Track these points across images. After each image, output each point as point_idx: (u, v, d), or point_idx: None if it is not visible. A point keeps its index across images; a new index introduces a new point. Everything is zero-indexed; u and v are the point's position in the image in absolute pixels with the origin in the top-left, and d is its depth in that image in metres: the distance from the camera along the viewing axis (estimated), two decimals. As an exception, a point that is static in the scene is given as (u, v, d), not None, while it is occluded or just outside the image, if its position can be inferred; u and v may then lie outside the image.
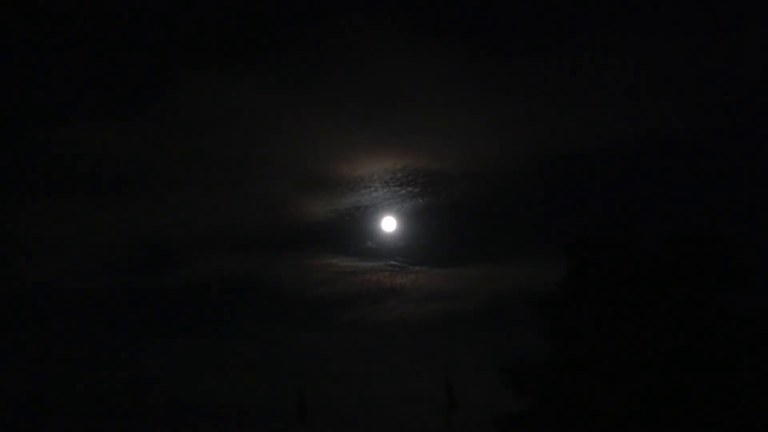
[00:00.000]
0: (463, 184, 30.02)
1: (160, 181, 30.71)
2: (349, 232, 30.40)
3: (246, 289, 30.03)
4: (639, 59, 29.38)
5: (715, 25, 28.84)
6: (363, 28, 28.95)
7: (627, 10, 29.22)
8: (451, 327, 28.85)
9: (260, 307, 29.65)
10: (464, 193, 30.21)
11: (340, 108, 30.38)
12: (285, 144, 30.62)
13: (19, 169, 29.91)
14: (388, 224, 29.89)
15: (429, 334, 28.78)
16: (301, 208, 30.49)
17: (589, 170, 29.34)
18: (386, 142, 29.88)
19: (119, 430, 24.96)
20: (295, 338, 28.64)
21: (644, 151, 29.09)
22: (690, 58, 29.22)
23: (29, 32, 29.58)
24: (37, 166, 29.76)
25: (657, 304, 20.74)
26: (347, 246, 30.30)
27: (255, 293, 29.91)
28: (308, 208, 30.39)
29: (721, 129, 28.58)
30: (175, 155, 30.57)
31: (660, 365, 20.02)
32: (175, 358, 27.98)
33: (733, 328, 20.39)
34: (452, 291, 30.07)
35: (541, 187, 29.69)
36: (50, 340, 28.07)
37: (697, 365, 19.96)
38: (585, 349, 21.12)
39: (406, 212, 29.99)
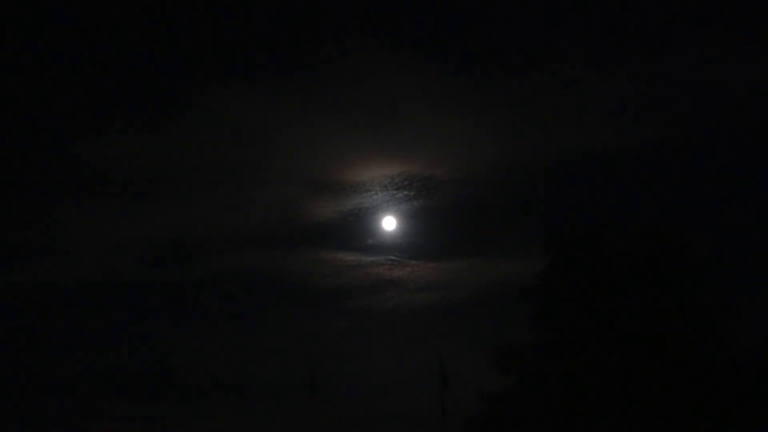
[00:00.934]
0: (454, 187, 30.23)
1: (185, 185, 30.85)
2: (353, 231, 30.57)
3: (262, 280, 30.25)
4: (611, 77, 29.38)
5: (684, 46, 28.98)
6: (363, 51, 29.15)
7: (602, 30, 29.37)
8: (443, 314, 29.17)
9: (274, 296, 29.97)
10: (454, 196, 30.42)
11: (343, 121, 30.61)
12: (295, 153, 30.71)
13: (61, 175, 29.94)
14: (389, 223, 30.06)
15: (424, 320, 29.15)
16: (310, 209, 30.65)
17: (564, 176, 29.62)
18: (384, 151, 30.05)
19: (150, 404, 24.99)
20: (306, 323, 28.79)
21: (614, 159, 29.15)
22: (660, 77, 29.20)
23: (69, 53, 29.61)
24: (77, 173, 29.75)
25: (625, 293, 21.05)
26: (351, 242, 30.53)
27: (270, 284, 30.16)
28: (316, 210, 30.56)
29: (685, 141, 28.66)
30: (198, 163, 30.79)
31: (628, 347, 20.22)
32: (199, 342, 28.04)
33: (692, 313, 20.64)
34: (444, 282, 30.34)
35: (523, 191, 29.82)
36: (89, 325, 28.23)
37: (660, 347, 20.18)
38: (562, 333, 21.38)
39: (403, 213, 30.09)
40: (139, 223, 30.06)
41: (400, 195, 29.85)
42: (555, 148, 29.66)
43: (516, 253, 28.28)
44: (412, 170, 29.79)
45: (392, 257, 29.91)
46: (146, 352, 27.42)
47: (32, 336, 27.91)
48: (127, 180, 30.01)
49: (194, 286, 29.96)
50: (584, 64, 29.27)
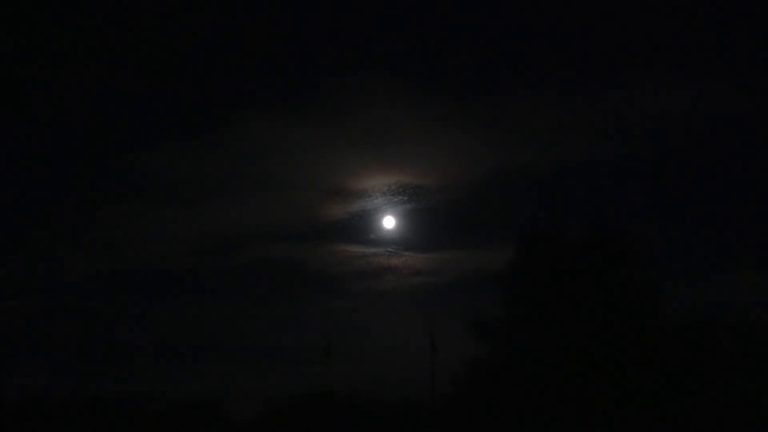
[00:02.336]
0: (440, 194, 30.89)
1: (223, 191, 31.54)
2: (358, 228, 31.00)
3: (285, 268, 30.92)
4: (572, 102, 30.21)
5: (631, 78, 29.75)
6: (368, 83, 30.04)
7: (564, 61, 29.94)
8: (431, 294, 29.95)
9: (295, 280, 30.46)
10: (440, 200, 31.01)
11: (350, 140, 31.18)
12: (311, 165, 31.33)
13: (122, 182, 30.88)
14: (389, 222, 30.48)
15: (416, 299, 29.82)
16: (324, 211, 31.23)
17: (530, 183, 30.38)
18: (383, 164, 30.68)
19: (198, 364, 25.60)
20: (321, 302, 29.47)
21: (573, 170, 30.04)
22: (612, 102, 29.86)
23: (127, 80, 30.14)
24: (135, 180, 30.66)
25: (577, 278, 21.30)
26: (356, 237, 30.96)
27: (292, 271, 30.80)
28: (328, 211, 31.13)
29: (631, 157, 29.57)
30: (234, 172, 31.55)
31: (579, 319, 20.63)
32: (237, 317, 28.48)
33: (629, 293, 21.03)
34: (432, 269, 30.95)
35: (496, 196, 30.46)
36: (149, 303, 28.75)
37: (604, 319, 20.57)
38: (527, 310, 21.63)
39: (399, 214, 30.47)
40: (187, 221, 30.60)
41: (396, 199, 30.34)
42: (523, 161, 30.25)
43: (490, 246, 29.10)
44: (406, 180, 30.31)
45: (390, 249, 30.38)
46: (195, 326, 27.66)
47: (104, 312, 28.32)
48: (176, 186, 30.96)
49: (231, 272, 30.69)
50: (549, 90, 30.01)
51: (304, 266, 30.95)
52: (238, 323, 28.13)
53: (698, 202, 29.49)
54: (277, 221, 31.24)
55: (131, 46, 29.15)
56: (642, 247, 21.75)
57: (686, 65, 29.36)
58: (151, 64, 30.02)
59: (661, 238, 25.67)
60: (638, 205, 28.50)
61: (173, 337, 26.79)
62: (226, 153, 31.35)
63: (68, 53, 28.90)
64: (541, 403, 20.12)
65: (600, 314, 20.74)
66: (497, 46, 30.17)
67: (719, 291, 25.08)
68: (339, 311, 28.90)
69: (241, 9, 29.43)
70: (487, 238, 29.45)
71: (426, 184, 30.73)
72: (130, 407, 20.72)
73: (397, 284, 30.55)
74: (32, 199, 30.28)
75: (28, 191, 30.52)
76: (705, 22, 28.58)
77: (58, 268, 28.99)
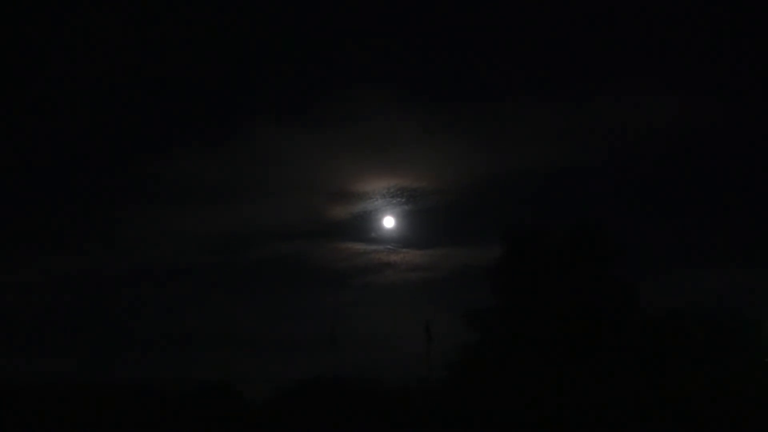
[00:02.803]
0: (434, 196, 31.06)
1: (236, 193, 31.76)
2: (360, 227, 31.30)
3: (294, 264, 31.11)
4: (554, 109, 30.33)
5: (610, 89, 29.76)
6: (368, 94, 30.15)
7: (547, 71, 30.01)
8: (427, 288, 30.00)
9: (303, 275, 30.68)
10: (434, 202, 31.16)
11: (352, 147, 31.49)
12: (317, 170, 31.60)
13: (141, 185, 31.24)
14: (389, 222, 30.83)
15: (413, 292, 29.96)
16: (329, 211, 31.56)
17: (516, 186, 30.30)
18: (383, 169, 31.04)
19: (217, 350, 25.79)
20: (326, 295, 29.74)
21: (556, 173, 30.14)
22: (590, 111, 30.18)
23: (148, 90, 30.65)
24: (161, 183, 31.07)
25: (560, 272, 21.88)
26: (358, 236, 31.20)
27: (299, 267, 30.98)
28: (333, 212, 31.49)
29: (609, 161, 29.71)
30: (246, 176, 31.90)
31: (562, 310, 21.17)
32: (250, 308, 29.01)
33: (608, 286, 21.70)
34: (427, 264, 31.08)
35: (485, 197, 30.50)
36: (169, 296, 29.38)
37: (585, 309, 21.18)
38: (514, 301, 22.19)
39: (397, 214, 30.80)
40: (205, 221, 31.08)
41: (394, 201, 30.70)
42: (510, 165, 30.65)
43: (480, 243, 29.32)
44: (404, 183, 30.66)
45: (389, 246, 30.66)
46: (209, 316, 28.22)
47: (132, 303, 28.89)
48: (195, 189, 31.23)
49: (245, 267, 30.92)
50: (537, 100, 30.16)
51: (311, 262, 31.27)
52: (251, 314, 28.61)
53: (673, 204, 29.70)
54: (286, 221, 31.57)
55: (158, 66, 29.85)
56: (621, 245, 22.28)
57: (670, 77, 29.64)
58: (174, 81, 30.75)
59: (639, 236, 26.31)
60: (618, 207, 28.80)
61: (193, 327, 27.34)
62: (238, 159, 31.79)
63: (103, 75, 29.64)
64: (527, 386, 20.49)
65: (581, 305, 21.26)
66: (488, 59, 30.45)
67: (692, 285, 25.21)
68: (343, 303, 29.27)
69: (251, 31, 29.67)
70: (477, 236, 29.75)
71: (422, 187, 30.95)
72: (157, 389, 21.48)
73: (396, 278, 30.75)
74: (70, 200, 30.88)
75: (67, 193, 31.13)
76: (692, 34, 28.73)
77: (91, 263, 29.70)
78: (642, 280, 22.03)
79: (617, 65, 30.11)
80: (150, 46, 29.67)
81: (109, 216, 30.39)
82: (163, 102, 31.34)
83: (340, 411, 20.20)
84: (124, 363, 24.38)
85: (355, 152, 31.78)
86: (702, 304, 22.40)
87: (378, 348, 25.77)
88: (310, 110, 31.57)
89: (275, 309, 29.00)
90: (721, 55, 28.81)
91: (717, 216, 28.44)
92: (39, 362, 22.35)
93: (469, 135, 31.63)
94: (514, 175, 30.48)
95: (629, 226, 26.45)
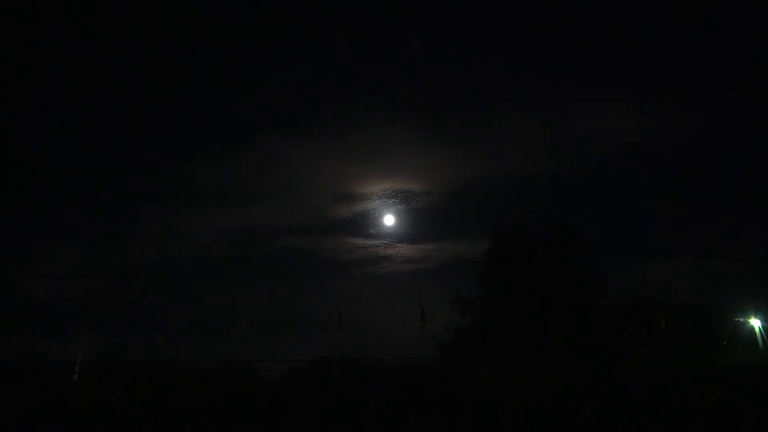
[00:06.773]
0: (426, 197, 33.27)
1: (252, 195, 34.19)
2: (360, 224, 33.68)
3: (303, 256, 33.48)
4: (533, 119, 32.51)
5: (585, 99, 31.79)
6: (367, 107, 32.76)
7: (529, 83, 32.41)
8: (420, 277, 32.44)
9: (312, 266, 33.12)
10: (426, 203, 33.43)
11: (353, 154, 33.75)
12: (323, 174, 33.92)
13: (166, 189, 33.62)
14: (388, 220, 32.97)
15: (408, 281, 32.34)
16: (333, 211, 33.99)
17: (501, 188, 32.40)
18: (381, 174, 33.25)
19: (236, 333, 25.65)
20: (331, 284, 32.07)
21: (537, 177, 32.21)
22: (566, 122, 32.09)
23: (170, 105, 33.50)
24: (186, 185, 33.30)
25: (539, 264, 22.67)
26: (359, 232, 33.71)
27: (308, 259, 33.33)
28: (338, 211, 33.91)
29: (583, 168, 31.92)
30: (261, 180, 34.19)
31: (540, 298, 21.94)
32: (265, 294, 31.02)
33: (581, 277, 22.50)
34: (420, 257, 33.36)
35: (472, 198, 33.09)
36: (194, 285, 31.39)
37: (560, 298, 21.93)
38: (499, 290, 22.99)
39: (393, 213, 32.84)
40: (224, 219, 33.54)
41: (390, 201, 32.89)
42: (493, 170, 32.89)
43: (467, 238, 32.13)
44: (399, 186, 32.90)
45: (386, 241, 32.80)
46: (228, 303, 30.32)
47: (161, 291, 30.74)
48: (216, 191, 33.67)
49: (259, 260, 33.33)
50: (518, 113, 32.59)
51: (317, 255, 33.62)
52: (265, 300, 30.91)
53: (638, 203, 31.91)
54: (295, 219, 34.16)
55: (189, 86, 32.63)
56: (593, 240, 23.34)
57: (640, 92, 32.03)
58: (199, 98, 33.67)
59: (608, 231, 28.78)
60: (590, 206, 31.18)
61: (214, 311, 29.67)
62: (253, 165, 34.28)
63: (143, 100, 32.14)
64: (510, 364, 21.34)
65: (557, 293, 22.10)
66: (474, 75, 32.96)
67: (654, 274, 27.56)
68: (346, 291, 31.64)
69: (265, 61, 32.13)
70: (464, 232, 32.37)
71: (415, 189, 32.98)
72: (183, 367, 22.58)
73: (393, 269, 32.69)
74: (114, 200, 33.21)
75: (111, 194, 33.45)
76: (663, 53, 30.69)
77: (126, 255, 31.80)
78: (612, 271, 23.05)
79: (594, 79, 32.78)
80: (183, 72, 33.12)
81: (142, 214, 32.92)
82: (192, 118, 34.24)
83: (345, 386, 21.04)
84: (156, 343, 26.59)
85: (356, 159, 34.08)
86: (663, 291, 24.84)
87: (377, 330, 27.85)
88: (315, 122, 34.73)
89: (286, 296, 30.93)
90: (690, 71, 31.03)
91: (679, 214, 30.62)
92: (90, 341, 23.26)
93: (457, 144, 33.91)
94: (498, 178, 32.75)
95: (601, 223, 29.02)
